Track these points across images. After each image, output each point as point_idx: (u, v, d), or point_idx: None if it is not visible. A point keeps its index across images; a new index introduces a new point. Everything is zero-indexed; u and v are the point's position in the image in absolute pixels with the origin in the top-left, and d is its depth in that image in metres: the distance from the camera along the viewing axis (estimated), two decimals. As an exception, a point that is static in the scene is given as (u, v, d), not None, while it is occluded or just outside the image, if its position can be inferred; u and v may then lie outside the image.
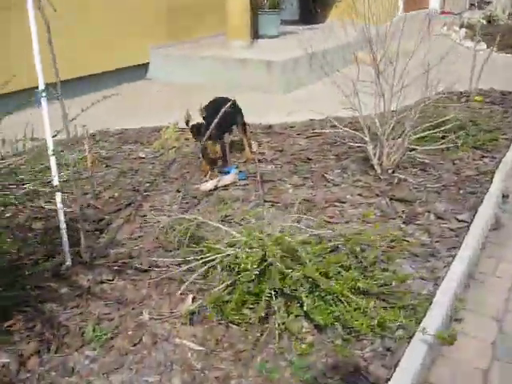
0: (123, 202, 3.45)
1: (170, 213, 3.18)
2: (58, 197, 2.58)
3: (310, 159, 4.05)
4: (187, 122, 3.65)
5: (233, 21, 7.06)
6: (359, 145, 3.84)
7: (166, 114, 5.21)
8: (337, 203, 3.34)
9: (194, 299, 2.40)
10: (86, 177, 3.71)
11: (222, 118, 3.77)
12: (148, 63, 7.24)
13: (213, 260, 2.39)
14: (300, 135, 4.66)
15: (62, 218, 2.61)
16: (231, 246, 2.44)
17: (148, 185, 3.72)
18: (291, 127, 4.94)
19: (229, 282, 2.29)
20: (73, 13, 5.76)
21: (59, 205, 2.58)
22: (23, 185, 2.84)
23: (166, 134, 4.54)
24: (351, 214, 3.20)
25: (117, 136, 4.91)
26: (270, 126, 4.95)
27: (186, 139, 4.52)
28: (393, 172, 3.65)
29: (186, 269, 2.50)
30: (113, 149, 4.51)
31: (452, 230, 3.01)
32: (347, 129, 3.89)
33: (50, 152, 2.50)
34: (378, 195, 3.44)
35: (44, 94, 2.36)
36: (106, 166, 4.08)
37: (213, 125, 3.21)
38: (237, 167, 3.85)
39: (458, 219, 3.11)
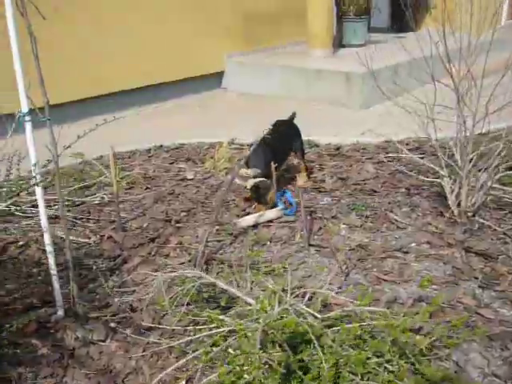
0: (150, 234, 3.02)
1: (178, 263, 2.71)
2: (47, 237, 2.17)
3: (376, 192, 3.44)
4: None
5: (313, 28, 6.51)
6: (432, 180, 3.18)
7: (233, 126, 4.82)
8: (398, 253, 2.72)
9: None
10: (120, 201, 3.34)
11: (279, 145, 3.30)
12: (223, 72, 6.87)
13: (216, 334, 1.88)
14: (370, 160, 4.04)
15: (51, 261, 2.21)
16: (242, 318, 1.92)
17: (184, 214, 3.27)
18: (363, 149, 4.33)
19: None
20: (152, 24, 5.78)
21: (48, 247, 2.17)
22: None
23: (218, 154, 4.08)
24: (414, 270, 2.58)
25: (172, 151, 4.53)
26: (339, 148, 4.36)
27: (239, 160, 4.04)
28: (473, 215, 2.96)
29: (186, 341, 2.01)
30: (162, 167, 4.12)
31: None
32: (420, 158, 3.24)
33: (35, 181, 2.08)
34: (450, 245, 2.78)
35: (28, 118, 1.96)
36: (146, 188, 3.68)
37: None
38: (284, 196, 3.31)
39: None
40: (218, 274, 2.59)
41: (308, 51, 6.73)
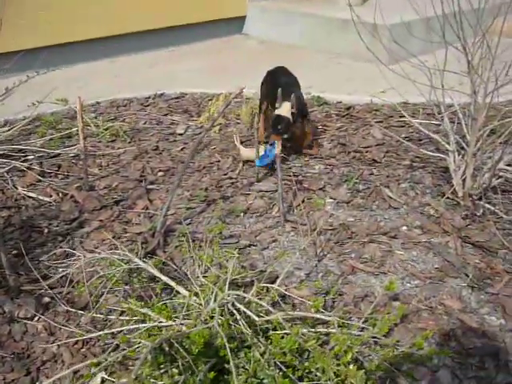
0: (117, 195, 2.77)
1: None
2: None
3: (376, 162, 3.08)
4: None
5: (342, -28, 5.96)
6: (438, 154, 2.80)
7: (245, 75, 4.47)
8: (383, 238, 2.40)
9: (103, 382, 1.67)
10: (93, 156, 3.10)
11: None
12: (245, 17, 6.43)
13: (137, 330, 1.63)
14: (380, 123, 3.65)
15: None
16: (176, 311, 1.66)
17: (161, 174, 3.00)
18: (376, 110, 3.93)
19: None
20: None
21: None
22: None
23: (213, 106, 3.76)
24: (399, 260, 2.26)
25: (172, 101, 4.22)
26: (349, 108, 3.97)
27: (238, 115, 3.72)
28: (479, 198, 2.59)
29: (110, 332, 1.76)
30: (154, 118, 3.82)
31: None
32: (436, 125, 2.84)
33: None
34: (446, 232, 2.44)
35: None
36: (130, 142, 3.40)
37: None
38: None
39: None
40: (176, 247, 2.33)
41: (337, -1, 6.20)
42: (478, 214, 2.54)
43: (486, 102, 2.36)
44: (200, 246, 2.20)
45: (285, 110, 2.86)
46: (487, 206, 2.55)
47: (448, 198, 2.66)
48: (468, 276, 2.14)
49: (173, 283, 1.77)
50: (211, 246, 2.21)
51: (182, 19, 5.70)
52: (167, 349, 1.30)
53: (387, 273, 2.18)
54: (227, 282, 1.69)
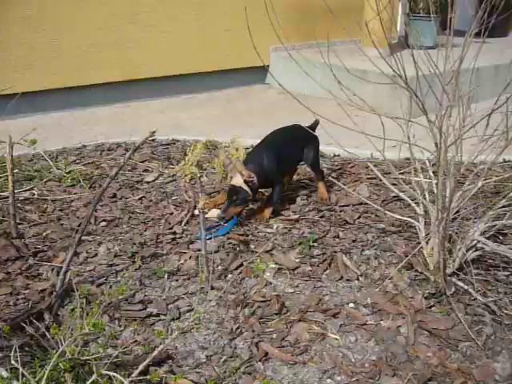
0: (40, 246, 2.48)
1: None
2: None
3: (347, 223, 2.66)
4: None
5: (368, 24, 5.65)
6: (407, 219, 2.37)
7: (250, 126, 4.30)
8: (320, 317, 1.97)
9: None
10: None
11: (284, 151, 2.82)
12: (268, 66, 6.21)
13: None
14: (372, 180, 3.23)
15: None
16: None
17: (103, 224, 2.70)
18: (375, 166, 3.50)
19: None
20: (195, 12, 5.34)
21: None
22: None
23: (190, 155, 3.45)
24: (326, 348, 1.82)
25: (160, 147, 3.98)
26: (345, 162, 3.58)
27: (213, 168, 3.40)
28: (452, 274, 2.12)
29: None
30: (130, 164, 3.56)
31: None
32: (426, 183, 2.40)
33: None
34: (401, 314, 1.98)
35: None
36: (90, 188, 3.14)
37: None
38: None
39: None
40: (72, 310, 1.99)
41: (362, 49, 5.89)
42: (448, 294, 2.06)
43: (449, 156, 1.94)
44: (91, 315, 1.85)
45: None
46: (460, 283, 2.08)
47: (417, 271, 2.21)
48: (406, 376, 1.67)
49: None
50: (108, 312, 1.87)
51: (200, 67, 5.55)
52: None
53: (307, 363, 1.75)
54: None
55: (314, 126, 3.03)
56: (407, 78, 2.23)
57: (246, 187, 2.56)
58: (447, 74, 2.10)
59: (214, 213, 2.70)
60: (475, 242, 2.09)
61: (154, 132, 2.04)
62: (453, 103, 1.97)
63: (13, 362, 1.33)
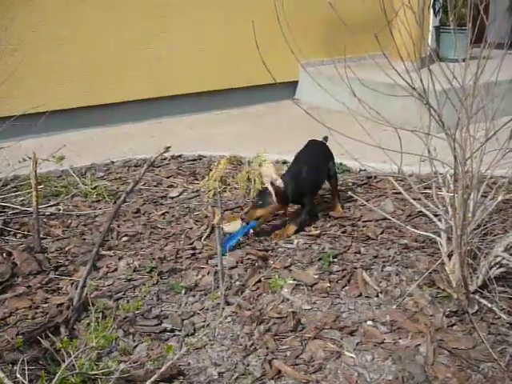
0: (62, 260, 2.51)
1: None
2: None
3: (370, 239, 2.61)
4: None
5: (397, 37, 5.60)
6: (429, 235, 2.31)
7: (282, 141, 4.32)
8: (336, 334, 1.93)
9: None
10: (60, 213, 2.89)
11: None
12: (297, 82, 6.22)
13: None
14: (397, 195, 3.17)
15: None
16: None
17: (125, 239, 2.72)
18: (400, 180, 3.45)
19: None
20: (224, 28, 5.41)
21: None
22: None
23: (215, 171, 3.46)
24: (342, 367, 1.78)
25: (186, 163, 4.00)
26: (371, 177, 3.53)
27: (237, 183, 3.40)
28: (476, 291, 2.05)
29: None
30: (156, 180, 3.59)
31: None
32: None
33: None
34: (420, 333, 1.92)
35: None
36: (115, 203, 3.17)
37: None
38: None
39: None
40: (88, 325, 2.00)
41: (391, 63, 5.84)
42: (471, 312, 1.99)
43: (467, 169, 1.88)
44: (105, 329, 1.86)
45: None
46: (483, 301, 2.00)
47: (439, 288, 2.14)
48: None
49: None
50: (123, 327, 1.87)
51: (230, 83, 5.58)
52: None
53: (320, 382, 1.70)
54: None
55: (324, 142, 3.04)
56: (436, 92, 2.16)
57: (271, 189, 2.55)
58: (468, 88, 2.04)
59: (235, 226, 2.69)
60: (499, 258, 2.02)
61: (169, 148, 2.05)
62: (471, 115, 1.91)
63: (18, 375, 1.33)
